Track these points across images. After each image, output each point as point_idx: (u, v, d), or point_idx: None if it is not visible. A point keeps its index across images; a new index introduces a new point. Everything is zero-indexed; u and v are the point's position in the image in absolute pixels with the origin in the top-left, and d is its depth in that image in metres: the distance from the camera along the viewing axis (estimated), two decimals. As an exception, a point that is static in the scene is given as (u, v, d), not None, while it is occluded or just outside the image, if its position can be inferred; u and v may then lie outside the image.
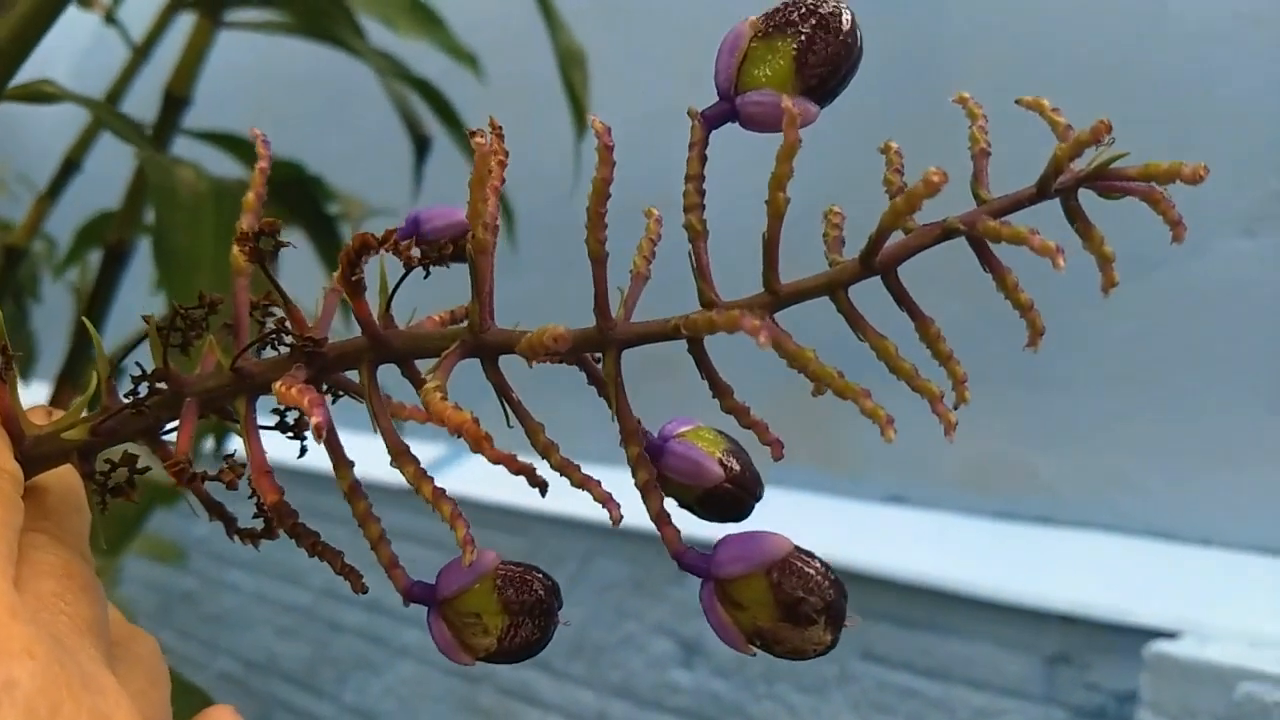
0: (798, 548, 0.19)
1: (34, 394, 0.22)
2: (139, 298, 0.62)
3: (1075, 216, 0.20)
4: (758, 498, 0.23)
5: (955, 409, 0.21)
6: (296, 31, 0.54)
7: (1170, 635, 0.77)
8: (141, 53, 0.55)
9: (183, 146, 0.54)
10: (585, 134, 0.61)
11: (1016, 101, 0.21)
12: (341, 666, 1.39)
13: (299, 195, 0.52)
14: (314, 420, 0.17)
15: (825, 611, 0.18)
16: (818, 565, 0.18)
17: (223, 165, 0.51)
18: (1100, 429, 0.90)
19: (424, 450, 0.26)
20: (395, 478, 0.21)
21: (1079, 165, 0.20)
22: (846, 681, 0.95)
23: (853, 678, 0.95)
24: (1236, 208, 0.80)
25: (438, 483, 0.21)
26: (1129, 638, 0.79)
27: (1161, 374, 0.85)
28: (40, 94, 0.42)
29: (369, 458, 0.25)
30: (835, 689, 0.96)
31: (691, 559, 0.19)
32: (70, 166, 0.57)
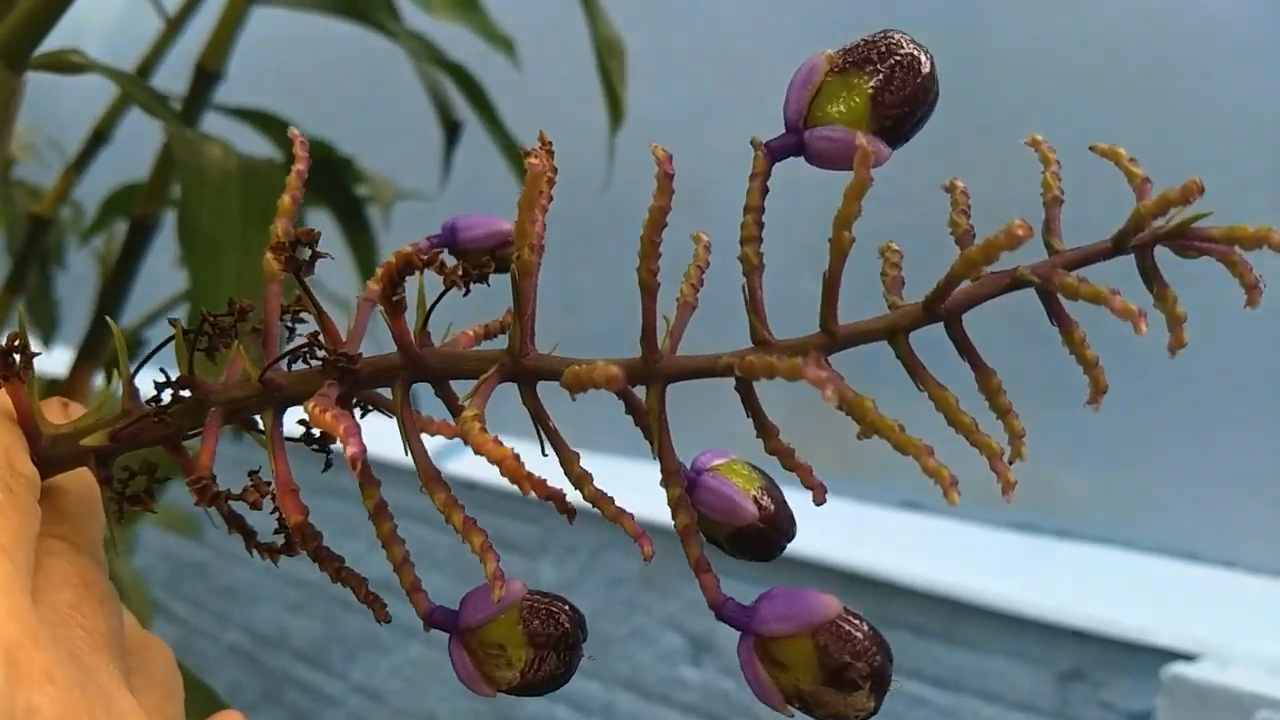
0: (846, 608, 0.18)
1: (56, 359, 0.21)
2: (163, 269, 0.61)
3: (1151, 276, 0.19)
4: (789, 538, 0.22)
5: (1011, 464, 0.20)
6: (331, 10, 0.53)
7: (1188, 658, 0.75)
8: (175, 25, 0.54)
9: (210, 122, 0.53)
10: (620, 127, 0.60)
11: (1091, 148, 0.21)
12: (351, 645, 1.39)
13: (328, 176, 0.51)
14: (349, 451, 0.17)
15: (871, 677, 0.17)
16: (865, 629, 0.18)
17: (251, 142, 0.50)
18: (1125, 446, 0.88)
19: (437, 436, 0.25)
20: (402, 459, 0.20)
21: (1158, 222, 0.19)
22: None
23: None
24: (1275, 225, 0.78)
25: (454, 468, 0.20)
26: (1146, 658, 0.78)
27: (1189, 393, 0.84)
28: (67, 63, 0.41)
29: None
30: None
31: (731, 611, 0.19)
32: (99, 138, 0.56)
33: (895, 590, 0.90)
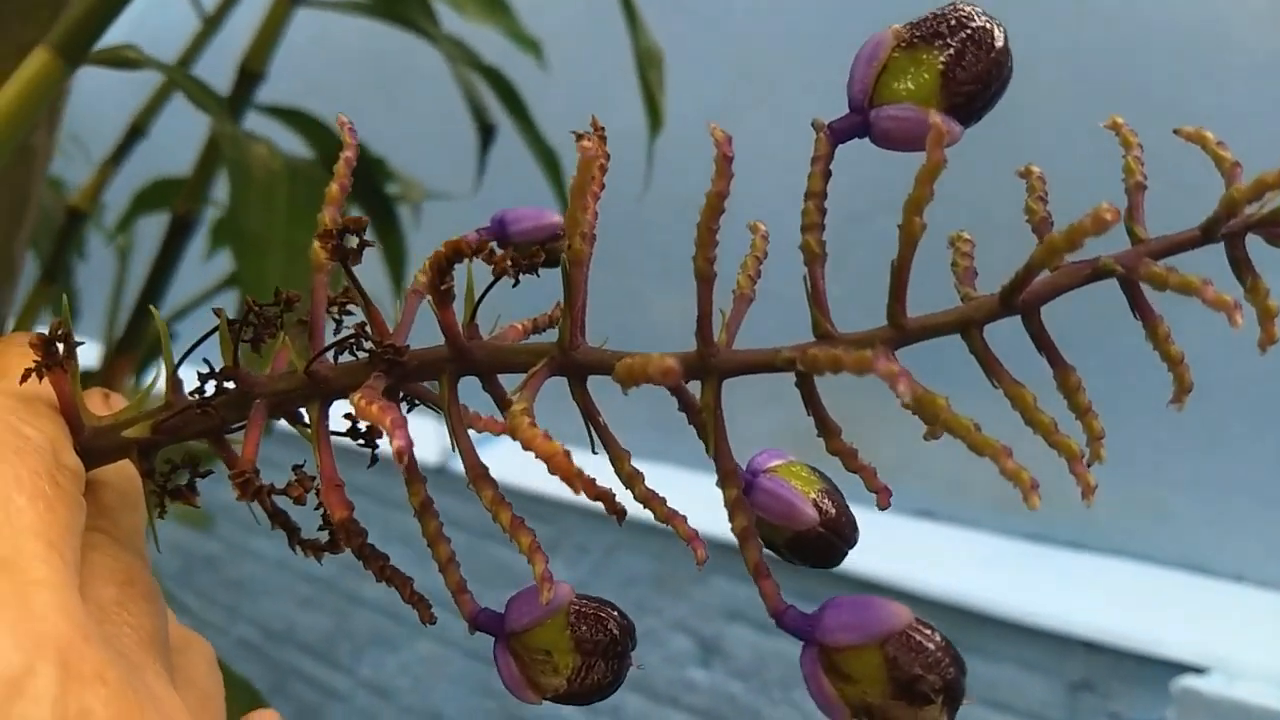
0: (918, 618, 0.17)
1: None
2: (190, 265, 0.61)
3: (1242, 265, 0.18)
4: (851, 544, 0.21)
5: (1089, 467, 0.19)
6: (373, 13, 0.53)
7: (1199, 670, 0.75)
8: (212, 24, 0.54)
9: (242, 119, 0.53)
10: (659, 133, 0.59)
11: (1176, 132, 0.19)
12: (359, 640, 1.39)
13: (358, 174, 0.51)
14: (396, 444, 0.16)
15: (944, 690, 0.16)
16: (938, 639, 0.17)
17: (285, 141, 0.50)
18: (1140, 458, 0.88)
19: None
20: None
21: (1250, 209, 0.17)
22: None
23: None
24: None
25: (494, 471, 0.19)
26: (1156, 670, 0.78)
27: (1203, 407, 0.83)
28: (123, 59, 0.41)
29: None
30: None
31: (794, 620, 0.18)
32: (135, 132, 0.57)
33: (907, 598, 0.89)
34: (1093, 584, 0.88)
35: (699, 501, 0.24)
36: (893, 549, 0.91)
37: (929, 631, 0.17)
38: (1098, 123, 0.20)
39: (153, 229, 0.74)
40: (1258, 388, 0.82)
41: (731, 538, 0.19)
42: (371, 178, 0.54)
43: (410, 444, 0.16)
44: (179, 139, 0.66)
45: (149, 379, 0.22)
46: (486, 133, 0.58)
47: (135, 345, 0.50)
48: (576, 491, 0.17)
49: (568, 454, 0.17)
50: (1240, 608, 0.82)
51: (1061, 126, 0.86)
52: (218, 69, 0.54)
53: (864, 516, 0.21)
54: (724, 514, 0.19)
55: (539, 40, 0.61)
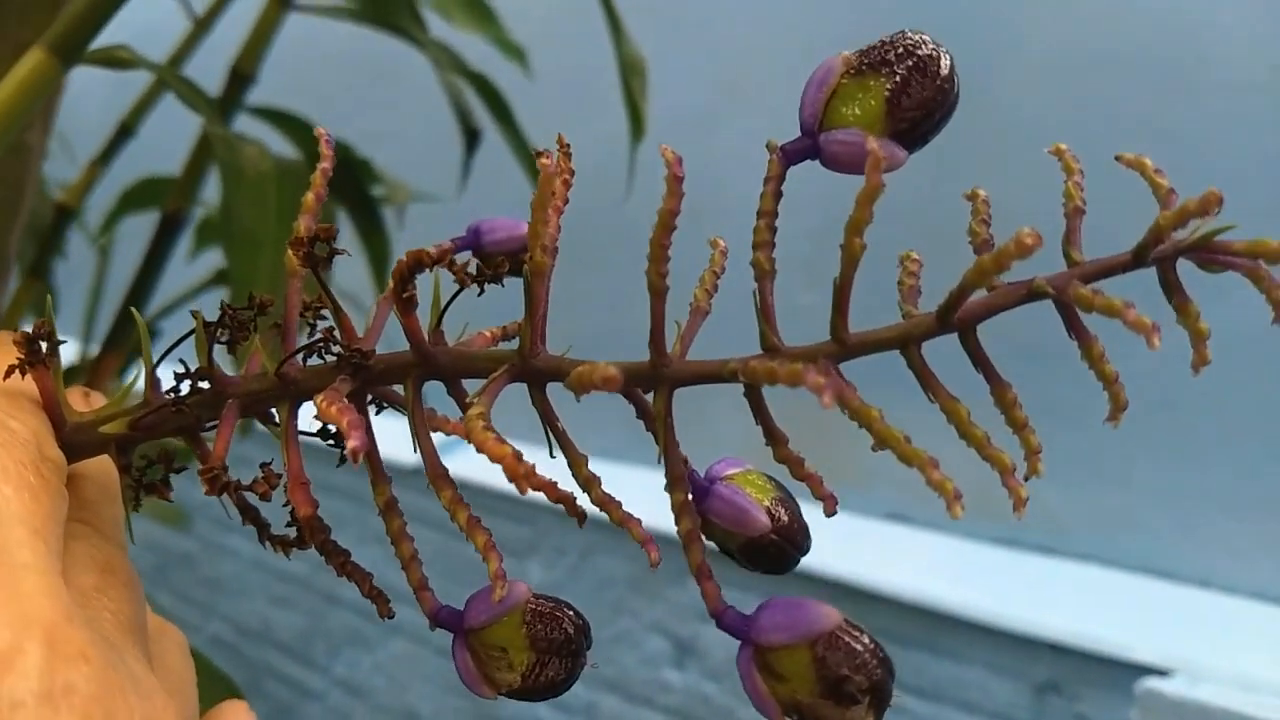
0: (847, 620, 0.17)
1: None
2: (174, 264, 0.62)
3: (1173, 289, 0.18)
4: (803, 552, 0.22)
5: (1026, 480, 0.19)
6: (363, 19, 0.54)
7: (1163, 673, 0.77)
8: (203, 25, 0.55)
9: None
10: (641, 140, 0.60)
11: (1117, 158, 0.20)
12: (334, 639, 1.40)
13: (344, 176, 0.52)
14: (351, 444, 0.17)
15: (871, 691, 0.17)
16: (866, 641, 0.17)
17: (271, 142, 0.51)
18: (1109, 465, 0.90)
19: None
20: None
21: (1180, 235, 0.18)
22: None
23: None
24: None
25: (446, 466, 0.20)
26: (1121, 672, 0.79)
27: (1174, 416, 0.85)
28: (116, 59, 0.42)
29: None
30: None
31: (731, 619, 0.18)
32: (124, 132, 0.58)
33: (878, 600, 0.91)
34: (1061, 588, 0.90)
35: (667, 502, 0.25)
36: (864, 552, 0.93)
37: (858, 634, 0.17)
38: (1070, 142, 0.21)
39: (130, 228, 0.75)
40: (1224, 399, 0.84)
41: (702, 539, 0.20)
42: (357, 179, 0.55)
43: (365, 444, 0.17)
44: (161, 139, 0.67)
45: (132, 376, 0.23)
46: (472, 137, 0.59)
47: (121, 343, 0.51)
48: (523, 491, 0.17)
49: (518, 456, 0.17)
50: (1205, 613, 0.84)
51: (1036, 141, 0.87)
52: (205, 70, 0.55)
53: (836, 520, 0.22)
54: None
55: (523, 48, 0.62)
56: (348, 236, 0.55)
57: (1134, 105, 0.85)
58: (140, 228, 0.76)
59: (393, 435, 0.25)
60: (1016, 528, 0.94)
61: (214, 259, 0.76)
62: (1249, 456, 0.84)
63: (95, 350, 0.54)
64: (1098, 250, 0.19)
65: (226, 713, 0.24)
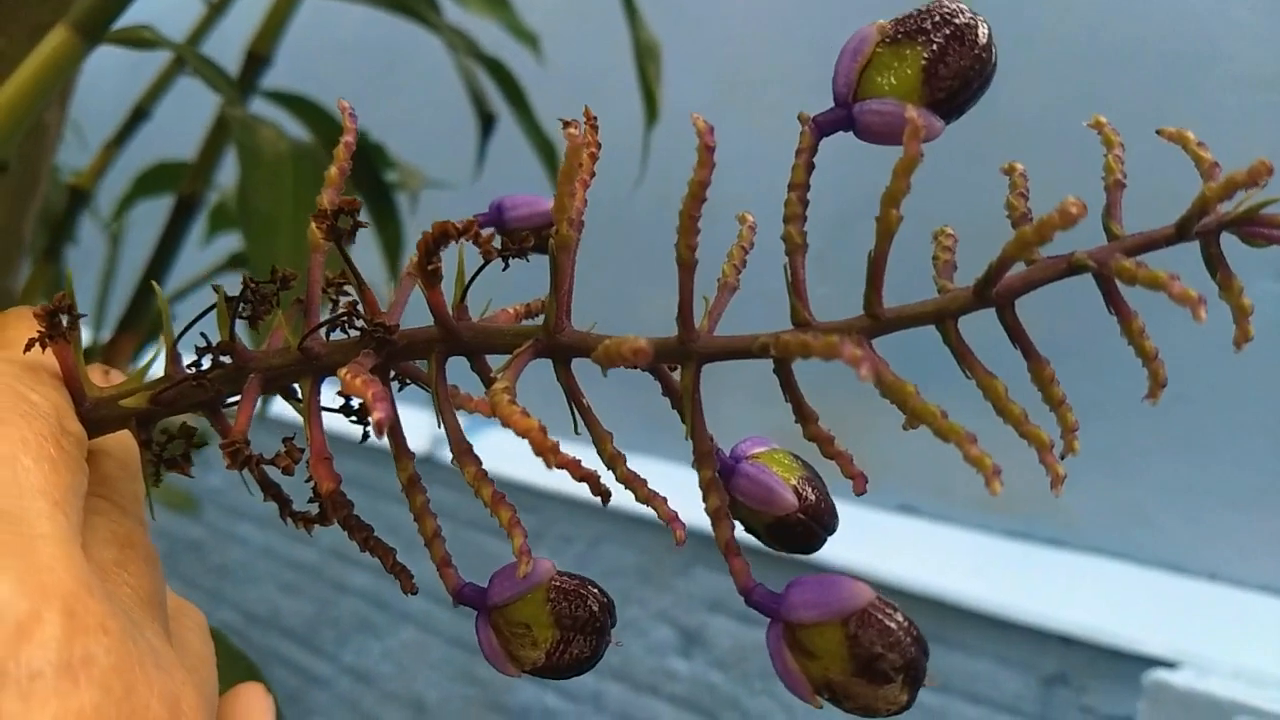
0: (880, 597, 0.17)
1: None
2: (187, 249, 0.62)
3: (1216, 263, 0.18)
4: (830, 531, 0.22)
5: (1062, 459, 0.19)
6: (379, 2, 0.54)
7: (1170, 665, 0.77)
8: (218, 8, 0.55)
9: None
10: (655, 124, 0.60)
11: (1158, 132, 0.20)
12: (342, 627, 1.40)
13: (358, 161, 0.52)
14: (375, 416, 0.16)
15: (904, 670, 0.17)
16: (900, 619, 0.17)
17: (285, 126, 0.51)
18: (1119, 460, 0.90)
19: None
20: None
21: (1225, 207, 0.18)
22: None
23: None
24: (1272, 251, 0.78)
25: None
26: (1128, 664, 0.80)
27: (1185, 411, 0.86)
28: (139, 39, 0.42)
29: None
30: None
31: (760, 596, 0.18)
32: (139, 114, 0.58)
33: (888, 591, 0.91)
34: (1070, 581, 0.90)
35: (684, 493, 0.24)
36: (876, 543, 0.94)
37: (891, 611, 0.17)
38: (1082, 125, 0.21)
39: (140, 214, 0.75)
40: (1235, 394, 0.84)
41: (710, 529, 0.20)
42: (371, 164, 0.55)
43: (391, 416, 0.17)
44: (173, 124, 0.67)
45: (151, 354, 0.23)
46: (487, 122, 0.59)
47: (137, 325, 0.51)
48: (550, 466, 0.17)
49: (544, 429, 0.17)
50: (1213, 606, 0.84)
51: (1047, 135, 0.86)
52: (216, 55, 0.55)
53: (848, 511, 0.21)
54: (702, 505, 0.20)
55: (536, 33, 0.62)
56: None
57: (1145, 99, 0.85)
58: (150, 213, 0.75)
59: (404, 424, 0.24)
60: (1027, 521, 0.94)
61: (228, 244, 0.75)
62: (1259, 452, 0.84)
63: (107, 335, 0.54)
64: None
65: (244, 694, 0.24)
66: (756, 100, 1.02)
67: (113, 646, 0.16)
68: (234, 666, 0.33)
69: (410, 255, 0.22)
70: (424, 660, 1.29)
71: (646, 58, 0.54)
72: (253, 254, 0.42)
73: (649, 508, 0.21)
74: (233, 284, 0.23)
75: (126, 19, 0.39)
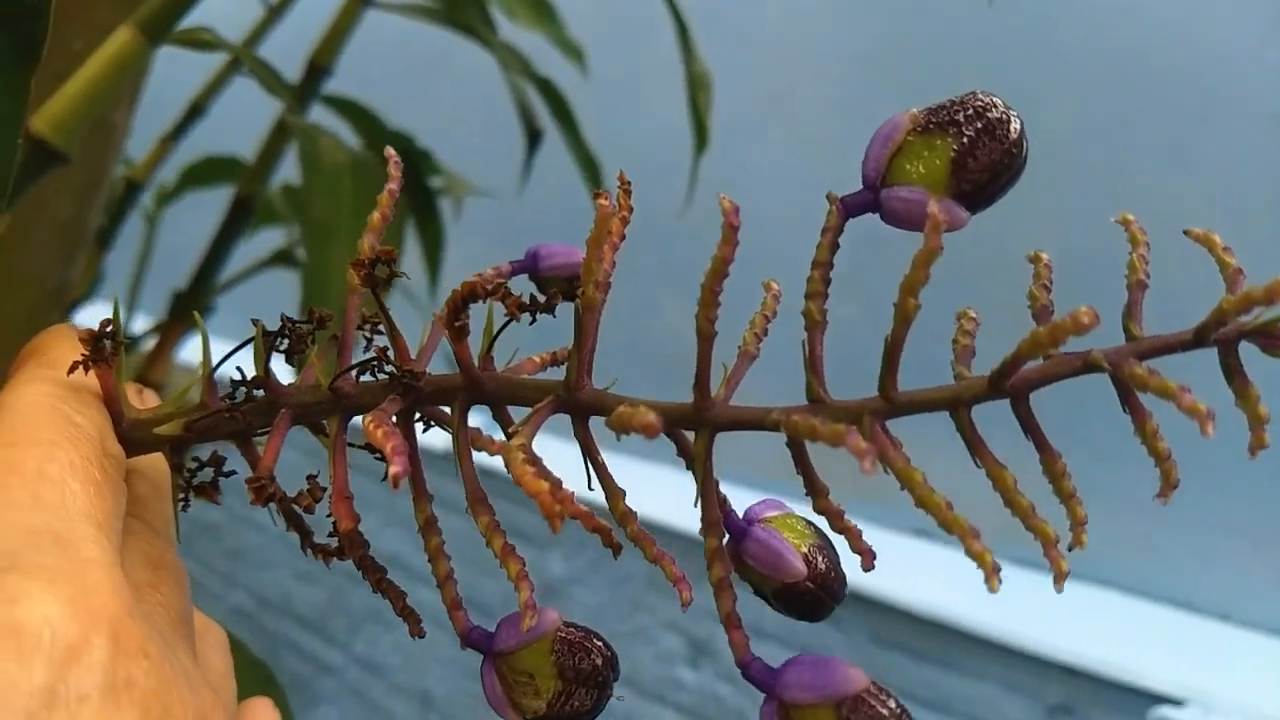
0: (874, 683, 0.17)
1: (101, 312, 0.23)
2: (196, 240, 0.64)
3: (1233, 373, 0.18)
4: (838, 601, 0.22)
5: (1070, 550, 0.19)
6: (437, 18, 0.55)
7: (1176, 702, 0.77)
8: (275, 12, 0.56)
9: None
10: (704, 152, 0.61)
11: (1185, 233, 0.20)
12: (354, 617, 1.42)
13: (406, 166, 0.53)
14: (393, 470, 0.17)
15: (893, 757, 0.17)
16: (892, 706, 0.17)
17: (334, 130, 0.52)
18: (1132, 494, 0.89)
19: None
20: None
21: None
22: None
23: None
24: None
25: (483, 459, 0.20)
26: (1134, 699, 0.79)
27: (1198, 447, 0.84)
28: (198, 40, 0.44)
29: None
30: None
31: (757, 671, 0.18)
32: (195, 111, 0.60)
33: (896, 613, 0.92)
34: (1079, 612, 0.90)
35: (692, 505, 0.25)
36: (887, 565, 0.93)
37: (885, 698, 0.17)
38: (1114, 221, 0.21)
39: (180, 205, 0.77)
40: (1246, 434, 0.84)
41: (733, 588, 0.20)
42: (417, 169, 0.56)
43: (406, 470, 0.17)
44: (219, 120, 0.68)
45: (188, 380, 0.24)
46: (534, 138, 0.60)
47: (186, 317, 0.53)
48: (556, 529, 0.18)
49: (556, 487, 0.17)
50: (1223, 645, 0.83)
51: (1074, 164, 0.86)
52: (271, 59, 0.56)
53: (867, 534, 0.21)
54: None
55: (581, 46, 0.63)
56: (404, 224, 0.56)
57: (1170, 136, 0.84)
58: (187, 202, 0.77)
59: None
60: (1037, 550, 0.94)
61: (271, 239, 0.77)
62: (1272, 491, 0.84)
63: (138, 322, 0.55)
64: (1114, 279, 0.18)
65: (255, 707, 0.25)
66: (796, 119, 1.02)
67: (152, 670, 0.16)
68: (252, 674, 0.34)
69: (449, 261, 0.23)
70: (433, 655, 1.31)
71: (698, 88, 0.55)
72: (310, 261, 0.43)
73: (656, 565, 0.21)
74: (269, 286, 0.23)
75: (187, 21, 0.40)
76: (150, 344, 0.60)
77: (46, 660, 0.15)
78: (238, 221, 0.58)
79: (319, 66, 0.54)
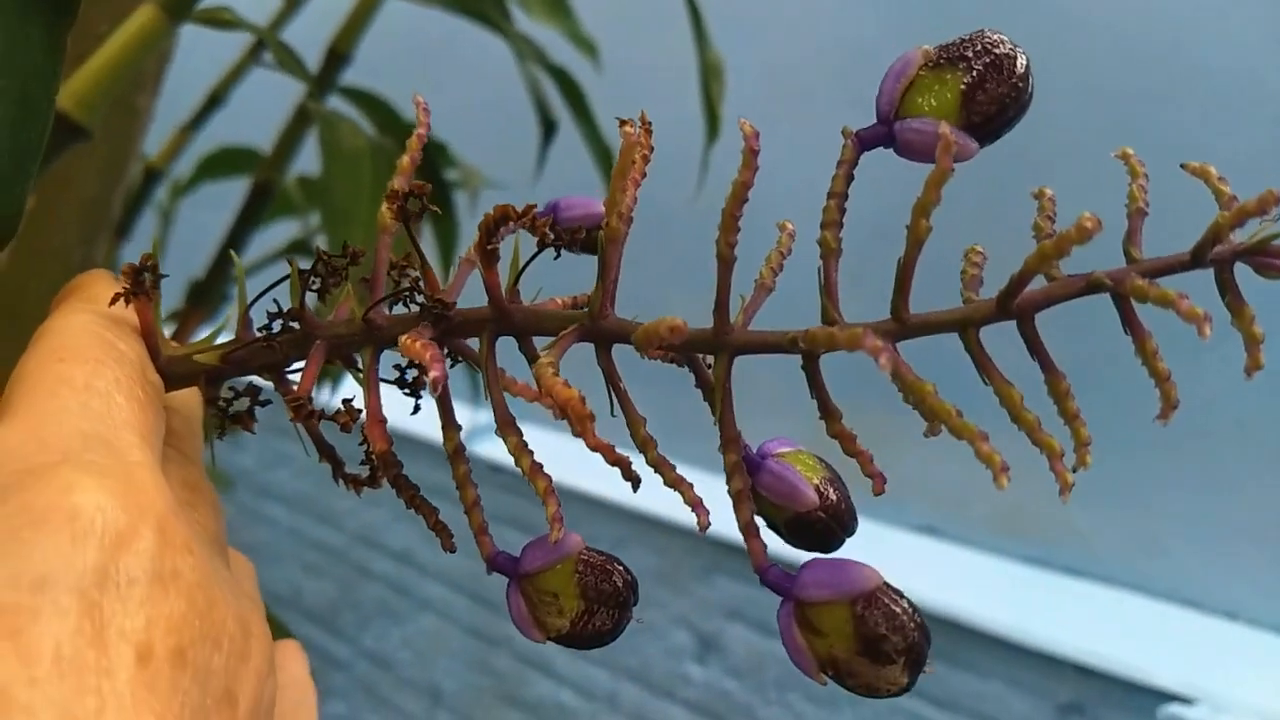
0: (887, 583, 0.18)
1: None
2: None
3: (1228, 290, 0.19)
4: (850, 532, 0.23)
5: (1074, 472, 0.20)
6: (453, 6, 0.56)
7: (1186, 701, 0.78)
8: (294, 2, 0.57)
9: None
10: (715, 141, 0.62)
11: (1182, 166, 0.21)
12: (364, 611, 1.42)
13: (422, 158, 0.54)
14: (432, 374, 0.18)
15: (906, 652, 0.18)
16: (905, 605, 0.18)
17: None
18: (1141, 492, 0.91)
19: (477, 416, 0.27)
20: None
21: (1239, 237, 0.19)
22: (858, 700, 0.97)
23: (864, 697, 0.97)
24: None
25: (481, 451, 0.21)
26: (1144, 698, 0.80)
27: (1206, 446, 0.85)
28: (219, 20, 0.45)
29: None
30: (846, 704, 0.99)
31: (775, 576, 0.19)
32: (214, 100, 0.61)
33: None
34: (1088, 611, 0.90)
35: (708, 501, 0.25)
36: (897, 561, 0.94)
37: (898, 597, 0.18)
38: (1113, 156, 0.22)
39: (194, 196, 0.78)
40: (1258, 430, 0.84)
41: (731, 537, 0.21)
42: (433, 162, 0.57)
43: (445, 375, 0.18)
44: (237, 111, 0.69)
45: (219, 322, 0.25)
46: (548, 129, 0.61)
47: (206, 301, 0.54)
48: (589, 444, 0.18)
49: (583, 399, 0.18)
50: (1231, 644, 0.84)
51: (1082, 165, 0.87)
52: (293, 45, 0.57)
53: (872, 529, 0.22)
54: (724, 513, 0.21)
55: (595, 41, 0.64)
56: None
57: (1184, 133, 0.85)
58: (203, 197, 0.78)
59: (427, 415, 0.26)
60: (1046, 548, 0.95)
61: (287, 230, 0.78)
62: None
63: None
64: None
65: (284, 646, 0.25)
66: (804, 111, 1.04)
67: (196, 565, 0.17)
68: (271, 629, 0.34)
69: (465, 250, 0.24)
70: (442, 649, 1.31)
71: (711, 76, 0.56)
72: (331, 244, 0.44)
73: (675, 491, 0.22)
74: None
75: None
76: (168, 334, 0.61)
77: (99, 544, 0.16)
78: (256, 209, 0.58)
79: (339, 53, 0.55)
